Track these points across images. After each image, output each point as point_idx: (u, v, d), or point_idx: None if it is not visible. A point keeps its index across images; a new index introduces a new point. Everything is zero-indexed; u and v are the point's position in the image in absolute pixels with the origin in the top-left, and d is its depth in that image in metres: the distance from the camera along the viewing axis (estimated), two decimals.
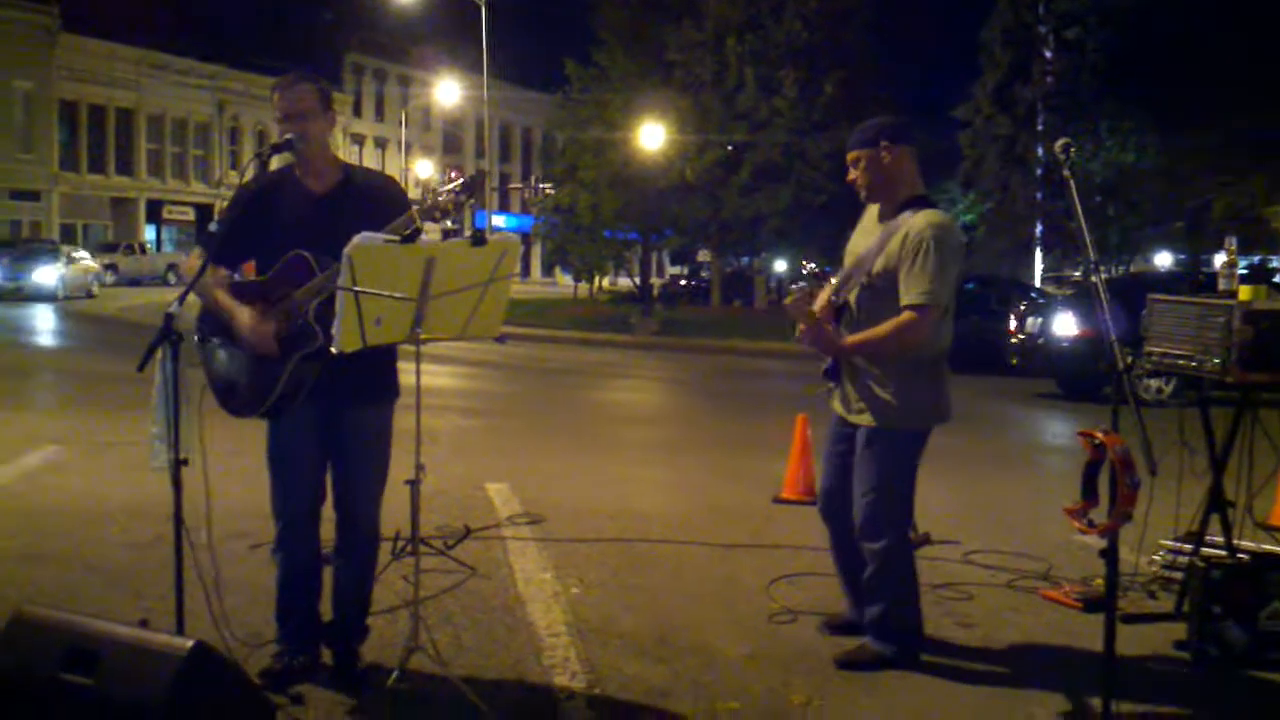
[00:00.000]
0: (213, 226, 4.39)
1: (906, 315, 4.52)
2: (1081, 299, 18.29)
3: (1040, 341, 16.65)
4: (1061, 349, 16.20)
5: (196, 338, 4.27)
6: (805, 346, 4.81)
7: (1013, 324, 17.78)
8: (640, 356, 23.88)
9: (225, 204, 4.51)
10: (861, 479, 4.76)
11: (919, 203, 4.67)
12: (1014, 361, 17.15)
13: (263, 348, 4.17)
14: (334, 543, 4.58)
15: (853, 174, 4.80)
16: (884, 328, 4.55)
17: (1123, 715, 3.96)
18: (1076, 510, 4.09)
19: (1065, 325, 16.14)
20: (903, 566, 4.86)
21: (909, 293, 4.51)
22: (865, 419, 4.73)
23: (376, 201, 4.36)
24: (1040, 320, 16.80)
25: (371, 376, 4.43)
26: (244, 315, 4.21)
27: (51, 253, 34.65)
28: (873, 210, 4.86)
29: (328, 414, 4.40)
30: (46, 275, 32.49)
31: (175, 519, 3.96)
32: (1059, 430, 13.23)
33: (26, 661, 3.49)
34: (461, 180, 4.31)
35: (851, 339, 4.67)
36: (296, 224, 4.29)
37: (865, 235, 4.82)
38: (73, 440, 9.52)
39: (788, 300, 4.91)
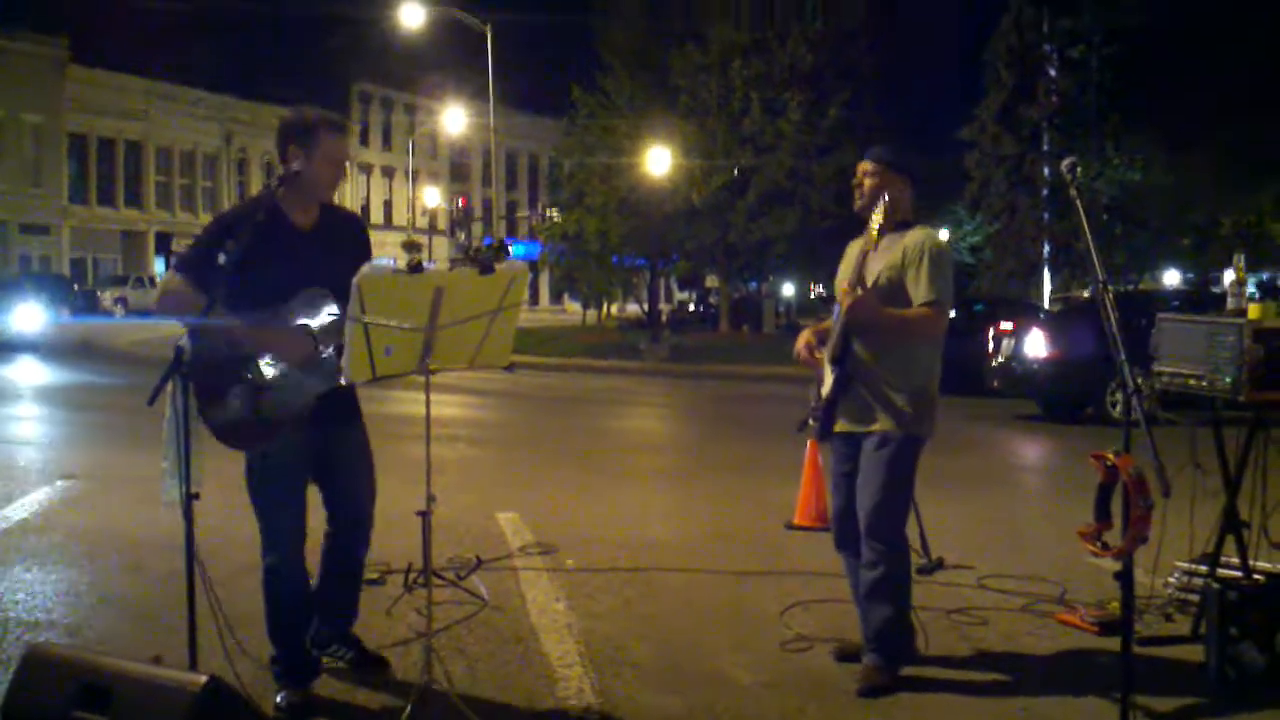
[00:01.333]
0: (182, 249, 4.38)
1: (925, 309, 4.77)
2: (1054, 320, 18.23)
3: (1013, 364, 16.53)
4: (1034, 371, 16.15)
5: (184, 378, 4.04)
6: (804, 362, 5.08)
7: (990, 346, 17.61)
8: (649, 383, 23.88)
9: (202, 231, 4.45)
10: (871, 481, 4.87)
11: (908, 225, 4.94)
12: (994, 385, 17.05)
13: (306, 356, 4.26)
14: (325, 554, 4.70)
15: (864, 180, 4.98)
16: (908, 311, 4.79)
17: None
18: (1090, 533, 4.08)
19: (1037, 347, 16.10)
20: (905, 568, 4.98)
21: (921, 294, 4.78)
22: (879, 425, 4.86)
23: (354, 237, 4.59)
24: (1013, 343, 16.69)
25: (350, 398, 4.59)
26: (277, 333, 4.27)
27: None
28: (858, 242, 4.99)
29: (319, 438, 4.46)
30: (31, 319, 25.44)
31: (187, 553, 3.97)
32: (1054, 451, 13.17)
33: (41, 699, 3.50)
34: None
35: (888, 310, 4.81)
36: (285, 258, 4.30)
37: (850, 266, 4.97)
38: (86, 475, 9.53)
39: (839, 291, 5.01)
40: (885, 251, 4.86)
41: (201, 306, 4.09)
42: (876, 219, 4.80)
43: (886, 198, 4.82)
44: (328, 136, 4.39)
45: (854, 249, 5.03)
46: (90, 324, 37.23)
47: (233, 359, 4.25)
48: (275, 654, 4.56)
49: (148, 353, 24.69)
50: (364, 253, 4.54)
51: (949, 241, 4.91)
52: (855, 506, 4.96)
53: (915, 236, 4.86)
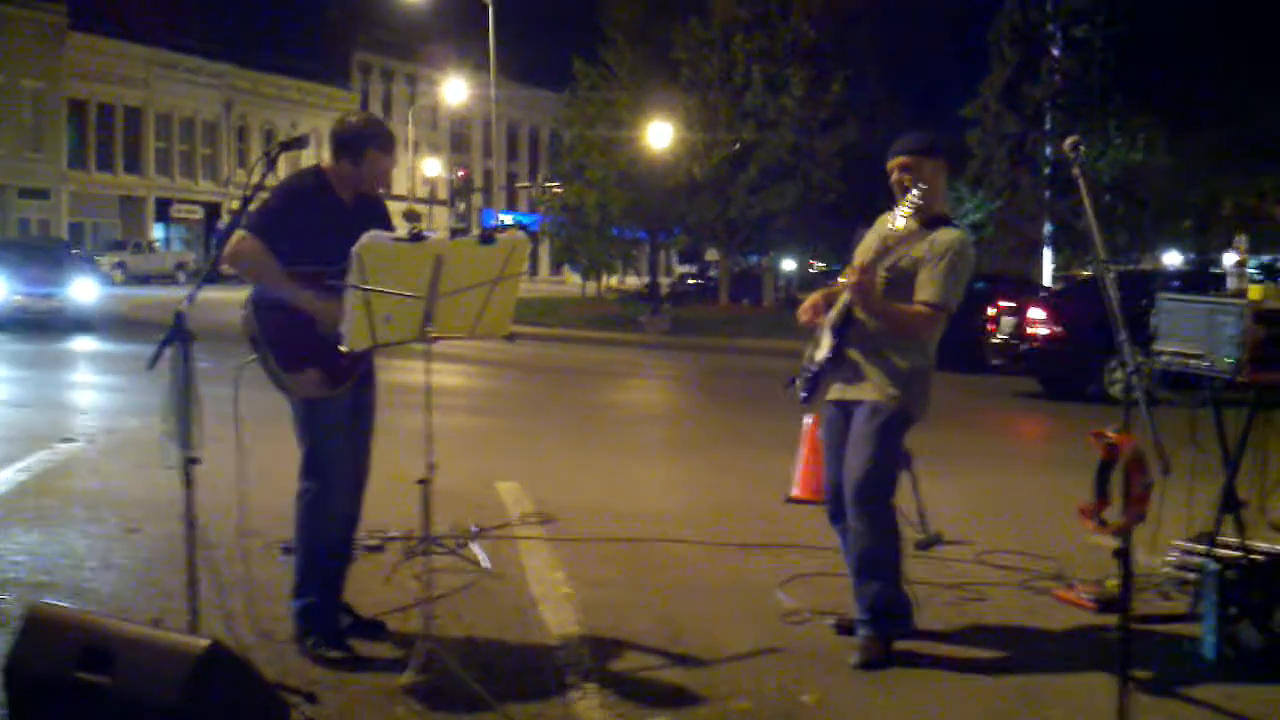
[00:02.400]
0: (251, 213, 4.54)
1: (923, 309, 4.77)
2: (1054, 298, 18.23)
3: (1013, 341, 16.53)
4: (1034, 349, 16.16)
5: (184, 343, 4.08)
6: (804, 321, 5.11)
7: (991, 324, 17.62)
8: (649, 355, 23.88)
9: (266, 197, 4.63)
10: (859, 447, 4.88)
11: (944, 220, 4.94)
12: (994, 362, 17.06)
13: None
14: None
15: (900, 177, 4.91)
16: (907, 308, 4.79)
17: (1138, 716, 3.95)
18: (1089, 510, 4.08)
19: (1038, 325, 16.10)
20: (893, 539, 4.96)
21: (927, 292, 4.77)
22: (872, 394, 4.87)
23: (380, 210, 4.82)
24: (1014, 321, 16.68)
25: (371, 361, 4.80)
26: (319, 303, 4.46)
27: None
28: (885, 217, 4.95)
29: (354, 396, 4.73)
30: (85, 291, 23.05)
31: (186, 517, 3.98)
32: (1053, 428, 13.19)
33: (42, 660, 3.50)
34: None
35: (887, 304, 4.82)
36: (335, 228, 4.43)
37: (870, 245, 4.95)
38: (86, 438, 9.53)
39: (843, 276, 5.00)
40: (912, 241, 4.83)
41: (277, 270, 4.44)
42: (906, 210, 4.76)
43: (922, 187, 4.76)
44: (375, 154, 4.71)
45: (882, 224, 4.97)
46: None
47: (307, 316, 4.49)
48: (310, 602, 4.63)
49: (149, 317, 24.61)
50: (387, 226, 4.68)
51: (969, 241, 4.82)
52: None
53: (946, 236, 4.83)
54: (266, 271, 4.48)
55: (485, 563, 6.09)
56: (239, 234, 4.50)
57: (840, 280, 4.93)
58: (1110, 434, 3.93)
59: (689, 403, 16.60)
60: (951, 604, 5.68)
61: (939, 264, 4.76)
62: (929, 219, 4.88)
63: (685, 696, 4.42)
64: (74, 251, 30.77)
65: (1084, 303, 15.62)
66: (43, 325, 21.62)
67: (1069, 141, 4.26)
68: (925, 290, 4.77)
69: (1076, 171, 4.22)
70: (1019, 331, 16.36)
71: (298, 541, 4.71)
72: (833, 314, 5.00)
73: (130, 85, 52.81)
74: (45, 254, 26.14)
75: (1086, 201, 4.21)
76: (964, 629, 5.34)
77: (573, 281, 53.68)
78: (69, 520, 6.74)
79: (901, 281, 4.81)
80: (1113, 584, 5.60)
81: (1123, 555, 3.87)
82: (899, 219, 4.80)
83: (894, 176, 4.96)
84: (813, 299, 5.16)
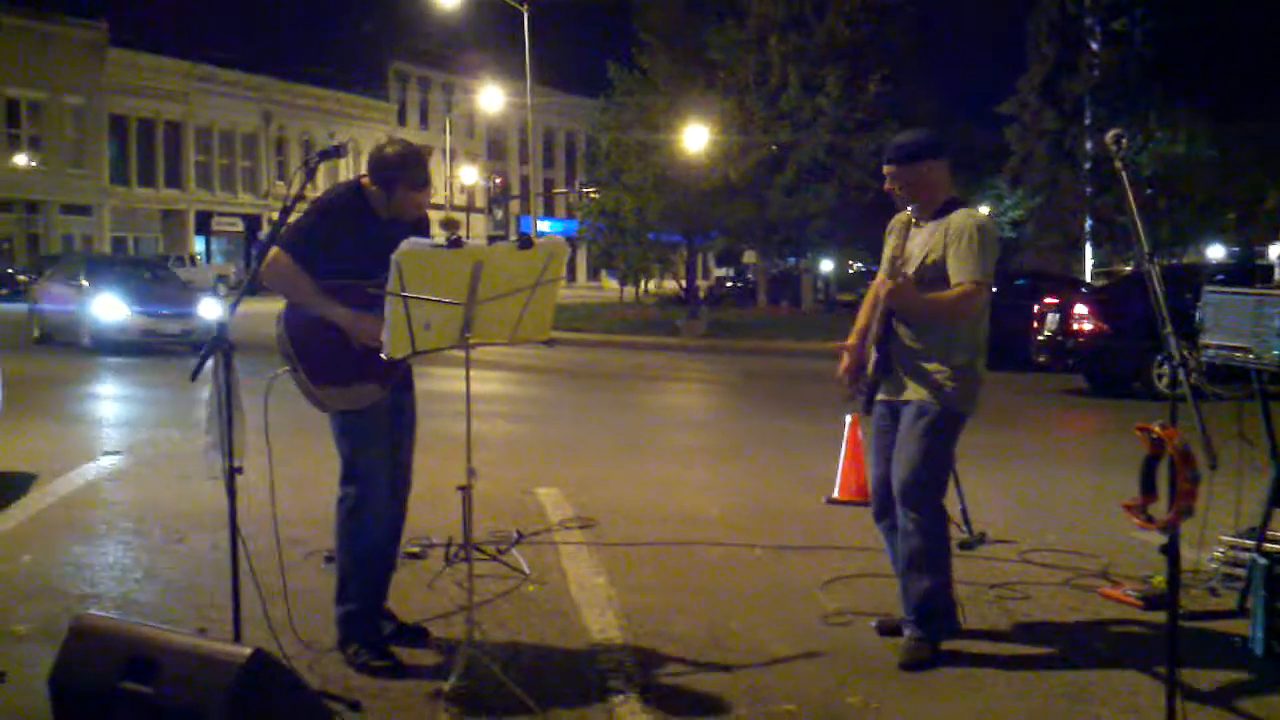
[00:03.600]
0: (285, 230, 4.54)
1: (961, 288, 4.77)
2: (1098, 295, 18.08)
3: (1059, 338, 16.40)
4: (1080, 345, 16.02)
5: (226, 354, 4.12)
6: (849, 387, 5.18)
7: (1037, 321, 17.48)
8: (688, 359, 23.86)
9: (302, 213, 4.65)
10: (907, 447, 4.88)
11: (955, 204, 4.96)
12: (1041, 360, 16.94)
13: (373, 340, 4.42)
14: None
15: (892, 185, 5.04)
16: (945, 294, 4.79)
17: (1187, 714, 3.90)
18: (1135, 506, 4.03)
19: (1084, 321, 15.95)
20: (942, 540, 4.95)
21: (960, 273, 4.78)
22: (918, 394, 4.87)
23: (420, 226, 4.80)
24: (1059, 317, 16.55)
25: (409, 370, 4.83)
26: (362, 318, 4.48)
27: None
28: (901, 217, 5.03)
29: (392, 404, 4.73)
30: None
31: (230, 527, 4.00)
32: (1099, 425, 13.07)
33: (88, 670, 3.53)
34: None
35: (925, 297, 4.82)
36: (371, 244, 4.43)
37: (900, 238, 4.99)
38: (130, 450, 9.62)
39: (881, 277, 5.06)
40: (929, 235, 4.88)
41: (310, 286, 4.46)
42: (909, 213, 4.92)
43: (918, 192, 4.91)
44: (405, 190, 4.68)
45: (897, 225, 5.04)
46: None
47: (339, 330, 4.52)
48: (352, 609, 4.66)
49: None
50: (424, 234, 4.69)
51: (990, 217, 4.86)
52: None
53: (958, 219, 4.85)
54: (300, 288, 4.50)
55: (526, 568, 6.10)
56: (274, 251, 4.51)
57: (877, 285, 4.96)
58: (1156, 429, 3.88)
59: (728, 405, 16.57)
60: (996, 603, 5.63)
61: (961, 243, 4.77)
62: (937, 210, 4.93)
63: (729, 700, 4.39)
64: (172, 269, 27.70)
65: (1129, 299, 15.52)
66: (170, 349, 19.87)
67: (1112, 134, 4.21)
68: (957, 271, 4.78)
69: (1120, 165, 4.17)
70: (1064, 328, 16.24)
71: (339, 549, 4.73)
72: (872, 333, 5.02)
73: (170, 99, 53.38)
74: (153, 272, 23.66)
75: (1130, 195, 4.15)
76: (1009, 628, 5.29)
77: (610, 287, 53.77)
78: (114, 532, 6.80)
79: (931, 277, 4.82)
80: (1159, 580, 5.54)
81: (1170, 551, 3.82)
82: (908, 215, 4.93)
83: (887, 185, 5.07)
84: (845, 363, 5.18)
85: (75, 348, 19.67)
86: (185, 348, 19.68)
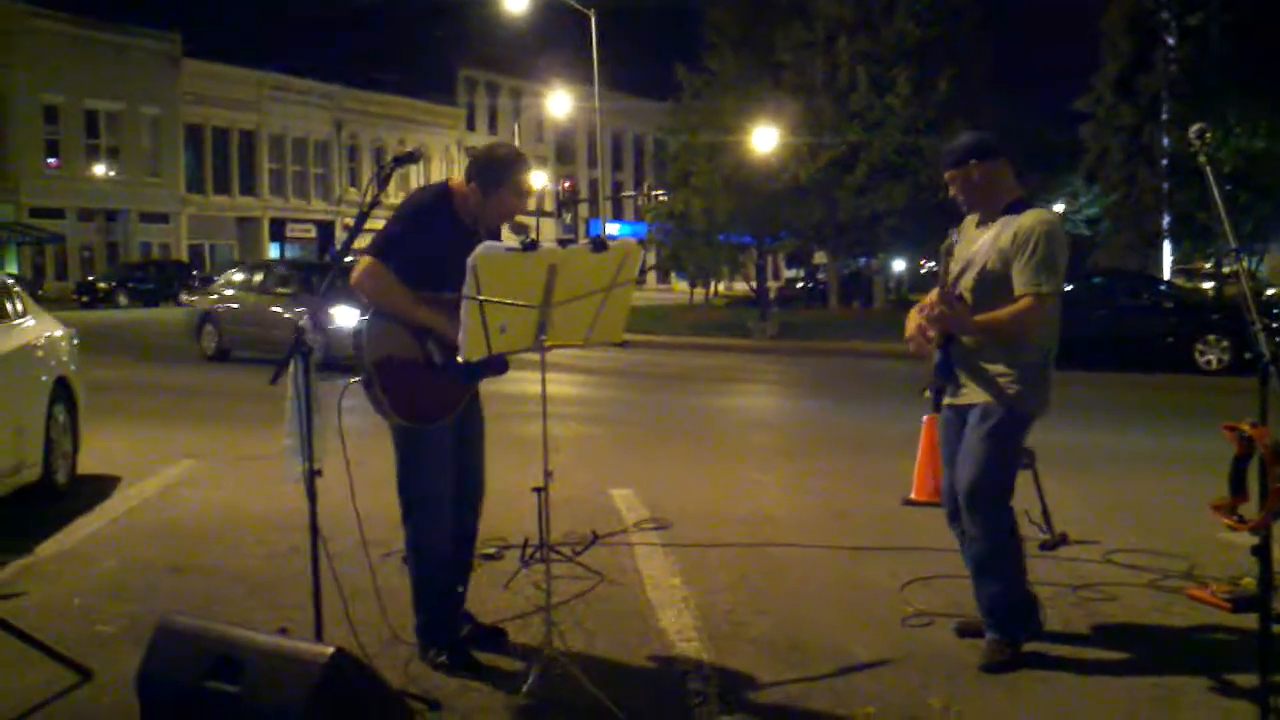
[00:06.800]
0: (374, 237, 4.58)
1: (1024, 301, 4.66)
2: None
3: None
4: None
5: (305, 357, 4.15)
6: (913, 350, 5.03)
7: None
8: (759, 360, 23.80)
9: (389, 219, 4.68)
10: (971, 451, 4.80)
11: (1020, 205, 4.85)
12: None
13: None
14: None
15: (951, 190, 5.00)
16: (1004, 311, 4.68)
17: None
18: (1224, 506, 3.96)
19: None
20: (1012, 542, 4.88)
21: (1023, 282, 4.67)
22: (982, 396, 4.79)
23: (491, 231, 4.78)
24: None
25: None
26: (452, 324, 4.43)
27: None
28: (972, 219, 4.99)
29: (461, 414, 4.70)
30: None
31: (311, 529, 4.04)
32: (1185, 425, 12.83)
33: (174, 670, 3.59)
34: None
35: (980, 317, 4.74)
36: (457, 250, 4.35)
37: (968, 241, 4.94)
38: (209, 454, 9.77)
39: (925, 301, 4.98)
40: (993, 238, 4.78)
41: (405, 293, 4.44)
42: (974, 217, 4.90)
43: (973, 194, 4.87)
44: (507, 194, 4.70)
45: (965, 229, 4.98)
46: None
47: (420, 338, 4.50)
48: (429, 618, 4.67)
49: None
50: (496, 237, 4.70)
51: (1064, 214, 4.80)
52: None
53: (1028, 220, 4.72)
54: (394, 297, 4.46)
55: (602, 570, 6.10)
56: (364, 260, 4.49)
57: (925, 306, 4.91)
58: (1246, 427, 3.81)
59: (799, 407, 16.48)
60: (1079, 605, 5.54)
61: (1027, 249, 4.64)
62: (1003, 209, 4.83)
63: (809, 702, 4.36)
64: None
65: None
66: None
67: (1195, 129, 4.13)
68: (1020, 281, 4.66)
69: (1204, 160, 4.08)
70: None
71: (409, 557, 4.74)
72: (935, 334, 4.93)
73: (243, 109, 54.31)
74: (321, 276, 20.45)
75: (1214, 191, 4.07)
76: (1092, 630, 5.21)
77: (680, 289, 53.80)
78: (199, 534, 6.90)
79: (998, 283, 4.72)
80: (1249, 582, 5.42)
81: (1261, 552, 3.75)
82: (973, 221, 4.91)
83: (949, 190, 5.01)
84: (914, 321, 5.02)
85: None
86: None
